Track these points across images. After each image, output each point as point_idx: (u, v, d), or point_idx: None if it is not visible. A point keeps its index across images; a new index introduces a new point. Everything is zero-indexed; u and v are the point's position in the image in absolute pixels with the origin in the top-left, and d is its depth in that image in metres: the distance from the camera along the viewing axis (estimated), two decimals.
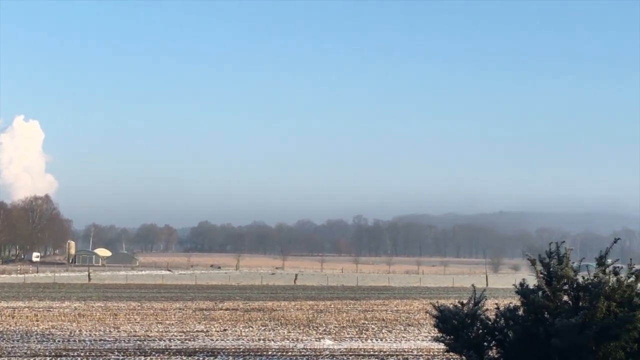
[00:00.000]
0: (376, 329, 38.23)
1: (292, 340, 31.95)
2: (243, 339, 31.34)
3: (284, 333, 34.71)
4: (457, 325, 10.55)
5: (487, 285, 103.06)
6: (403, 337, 34.63)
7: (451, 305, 10.89)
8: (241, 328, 36.21)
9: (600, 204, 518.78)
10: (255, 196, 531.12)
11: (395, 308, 54.25)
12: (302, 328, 37.35)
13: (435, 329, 11.13)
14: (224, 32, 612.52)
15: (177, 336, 32.11)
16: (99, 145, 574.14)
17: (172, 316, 43.01)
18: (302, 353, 27.73)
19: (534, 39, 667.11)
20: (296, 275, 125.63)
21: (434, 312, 10.85)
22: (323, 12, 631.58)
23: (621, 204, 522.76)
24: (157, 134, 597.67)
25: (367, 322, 41.92)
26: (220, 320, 40.29)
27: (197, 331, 34.51)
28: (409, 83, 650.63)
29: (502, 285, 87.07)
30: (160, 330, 34.75)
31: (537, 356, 10.10)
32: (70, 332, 33.30)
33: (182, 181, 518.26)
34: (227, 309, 49.61)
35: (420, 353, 28.36)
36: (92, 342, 29.73)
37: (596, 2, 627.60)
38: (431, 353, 27.17)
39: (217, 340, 31.00)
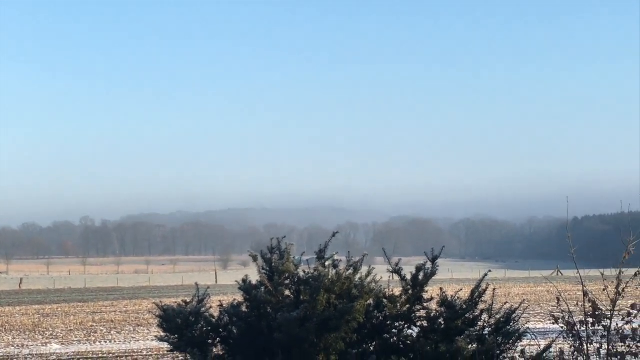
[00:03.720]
0: (105, 330, 37.69)
1: (18, 346, 30.84)
2: None
3: (9, 339, 33.43)
4: (181, 324, 10.44)
5: (216, 282, 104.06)
6: (132, 337, 34.35)
7: (175, 305, 10.78)
8: None
9: (325, 198, 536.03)
10: None
11: (125, 309, 53.66)
12: (27, 333, 36.15)
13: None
14: None
15: None
16: None
17: None
18: (28, 359, 26.83)
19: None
20: (21, 279, 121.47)
21: (158, 312, 10.69)
22: None
23: (344, 198, 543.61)
24: None
25: (95, 325, 41.24)
26: None
27: None
28: (128, 80, 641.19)
29: (231, 282, 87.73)
30: None
31: (261, 351, 10.19)
32: None
33: None
34: None
35: (150, 353, 28.22)
36: None
37: None
38: (160, 352, 27.07)
39: None
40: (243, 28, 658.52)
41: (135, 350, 29.45)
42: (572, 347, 9.49)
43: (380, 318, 10.81)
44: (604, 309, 9.48)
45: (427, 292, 11.07)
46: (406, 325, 10.91)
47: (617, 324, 9.47)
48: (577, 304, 9.72)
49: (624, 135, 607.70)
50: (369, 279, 10.63)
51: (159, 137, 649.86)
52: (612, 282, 9.41)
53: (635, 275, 9.58)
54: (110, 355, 28.37)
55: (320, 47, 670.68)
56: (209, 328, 10.67)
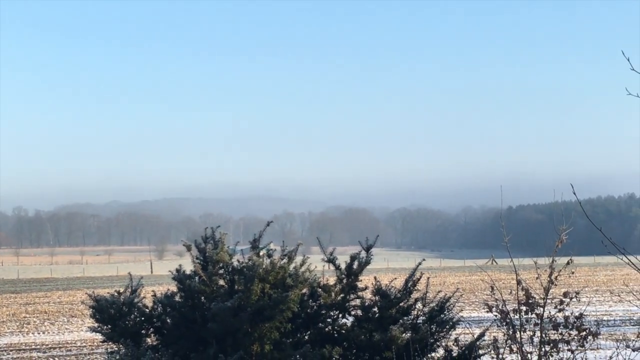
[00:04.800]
0: (38, 322, 37.28)
1: None
2: None
3: None
4: (113, 314, 10.30)
5: (152, 272, 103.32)
6: (66, 328, 34.03)
7: (108, 295, 10.63)
8: None
9: (261, 188, 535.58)
10: None
11: (58, 300, 53.08)
12: None
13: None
14: None
15: None
16: None
17: None
18: None
19: None
20: None
21: (91, 303, 10.54)
22: None
23: (281, 187, 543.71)
24: None
25: (28, 316, 40.75)
26: None
27: None
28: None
29: (166, 272, 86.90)
30: None
31: (195, 341, 10.11)
32: None
33: None
34: None
35: (84, 344, 27.97)
36: None
37: None
38: (95, 343, 26.84)
39: None
40: (175, 25, 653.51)
41: (69, 342, 29.15)
42: (506, 335, 9.55)
43: (315, 307, 10.79)
44: (537, 297, 9.56)
45: (361, 281, 11.07)
46: (340, 315, 10.91)
47: (549, 312, 9.55)
48: (510, 293, 9.78)
49: (556, 127, 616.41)
50: (303, 269, 10.59)
51: (93, 127, 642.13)
52: (545, 270, 9.49)
53: (568, 263, 9.67)
54: (44, 346, 28.04)
55: (255, 40, 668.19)
56: (142, 318, 10.55)
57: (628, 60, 7.07)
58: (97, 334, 10.71)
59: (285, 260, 10.50)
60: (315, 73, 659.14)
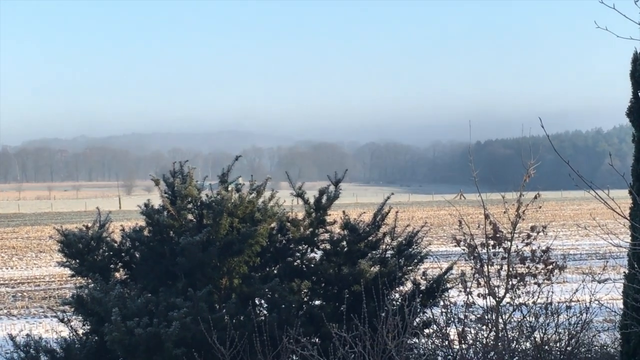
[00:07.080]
0: (6, 257, 37.17)
1: None
2: None
3: None
4: (82, 249, 10.26)
5: (120, 207, 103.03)
6: (35, 264, 33.98)
7: (76, 230, 10.57)
8: None
9: (229, 123, 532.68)
10: None
11: (26, 235, 52.85)
12: None
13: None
14: None
15: None
16: None
17: None
18: None
19: None
20: None
21: (59, 237, 10.48)
22: None
23: (248, 121, 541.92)
24: None
25: None
26: None
27: None
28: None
29: (135, 208, 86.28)
30: None
31: (164, 275, 10.10)
32: None
33: None
34: None
35: (53, 279, 27.97)
36: None
37: None
38: (63, 278, 26.83)
39: None
40: None
41: (38, 277, 29.14)
42: (473, 269, 9.62)
43: (284, 242, 10.81)
44: (504, 231, 9.61)
45: (330, 215, 11.08)
46: (309, 249, 10.93)
47: (517, 246, 9.62)
48: (478, 227, 9.83)
49: (524, 61, 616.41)
50: (272, 203, 10.58)
51: (60, 62, 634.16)
52: (513, 205, 9.53)
53: (535, 198, 9.72)
54: (12, 281, 28.02)
55: None
56: (111, 253, 10.53)
57: None
58: (66, 268, 10.68)
59: (253, 195, 10.47)
60: (281, 7, 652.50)
